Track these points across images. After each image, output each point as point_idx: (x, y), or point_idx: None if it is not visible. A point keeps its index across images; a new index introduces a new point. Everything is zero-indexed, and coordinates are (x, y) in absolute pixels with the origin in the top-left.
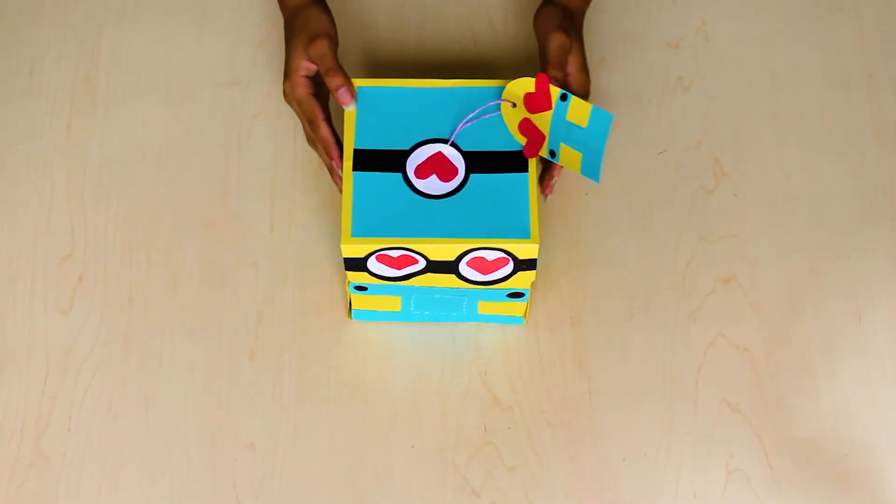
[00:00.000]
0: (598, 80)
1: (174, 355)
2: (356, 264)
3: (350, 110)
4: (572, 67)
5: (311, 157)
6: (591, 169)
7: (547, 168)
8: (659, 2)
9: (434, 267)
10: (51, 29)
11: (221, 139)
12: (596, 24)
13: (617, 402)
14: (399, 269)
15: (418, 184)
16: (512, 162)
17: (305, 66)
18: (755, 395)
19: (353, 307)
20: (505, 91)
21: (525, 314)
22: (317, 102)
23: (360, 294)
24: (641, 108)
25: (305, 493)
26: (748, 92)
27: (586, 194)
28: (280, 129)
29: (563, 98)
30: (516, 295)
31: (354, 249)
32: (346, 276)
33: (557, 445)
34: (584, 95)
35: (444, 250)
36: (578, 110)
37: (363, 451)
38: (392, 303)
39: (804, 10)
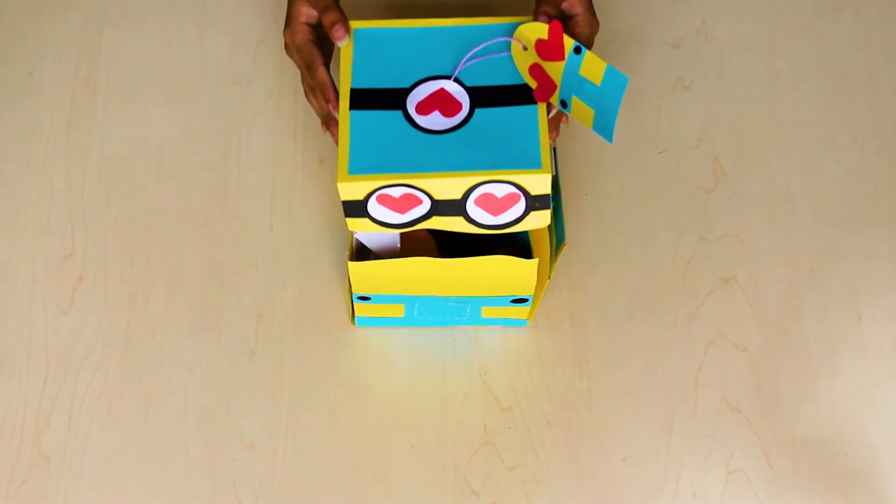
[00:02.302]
0: None
1: (174, 355)
2: (356, 208)
3: (344, 45)
4: (579, 8)
5: (311, 156)
6: (604, 128)
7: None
8: (659, 2)
9: (440, 208)
10: (51, 29)
11: (221, 139)
12: None
13: (617, 402)
14: (402, 212)
15: (420, 120)
16: (519, 95)
17: (306, 13)
18: (755, 395)
19: (356, 314)
20: (516, 32)
21: (529, 317)
22: (316, 48)
23: (363, 304)
24: (641, 108)
25: (305, 493)
26: (748, 92)
27: (586, 194)
28: (280, 129)
29: (578, 51)
30: (520, 301)
31: (353, 189)
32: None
33: (557, 445)
34: (592, 37)
35: (449, 185)
36: (593, 66)
37: (363, 451)
38: (395, 310)
39: (804, 10)
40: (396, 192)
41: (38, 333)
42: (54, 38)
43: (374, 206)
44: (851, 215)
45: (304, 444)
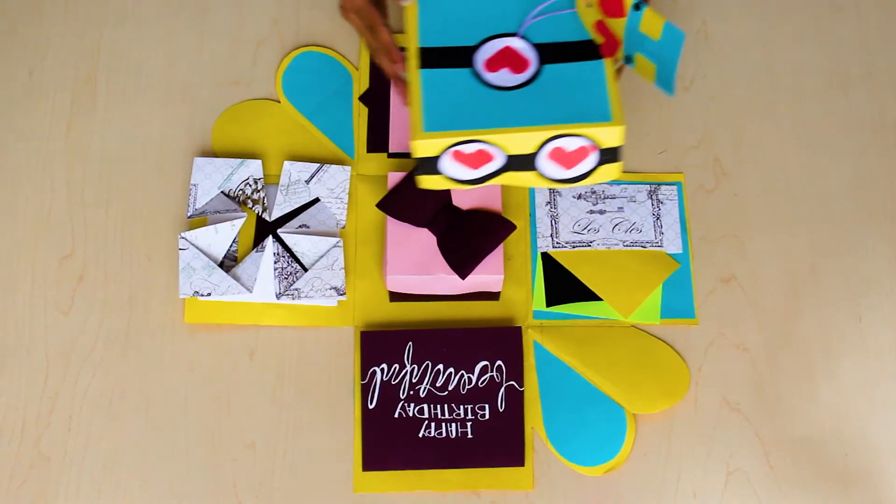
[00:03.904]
0: None
1: (174, 355)
2: (430, 165)
3: (408, 4)
4: None
5: None
6: (665, 82)
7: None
8: (659, 2)
9: (513, 163)
10: (51, 29)
11: None
12: None
13: None
14: (475, 168)
15: (489, 77)
16: (586, 50)
17: None
18: (755, 395)
19: None
20: None
21: None
22: (375, 9)
23: None
24: (641, 108)
25: (305, 493)
26: (748, 92)
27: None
28: None
29: (637, 7)
30: None
31: (428, 146)
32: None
33: None
34: None
35: (522, 141)
36: (651, 22)
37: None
38: None
39: (804, 10)
40: (470, 149)
41: (38, 333)
42: (54, 38)
43: (447, 163)
44: (851, 215)
45: (304, 444)
